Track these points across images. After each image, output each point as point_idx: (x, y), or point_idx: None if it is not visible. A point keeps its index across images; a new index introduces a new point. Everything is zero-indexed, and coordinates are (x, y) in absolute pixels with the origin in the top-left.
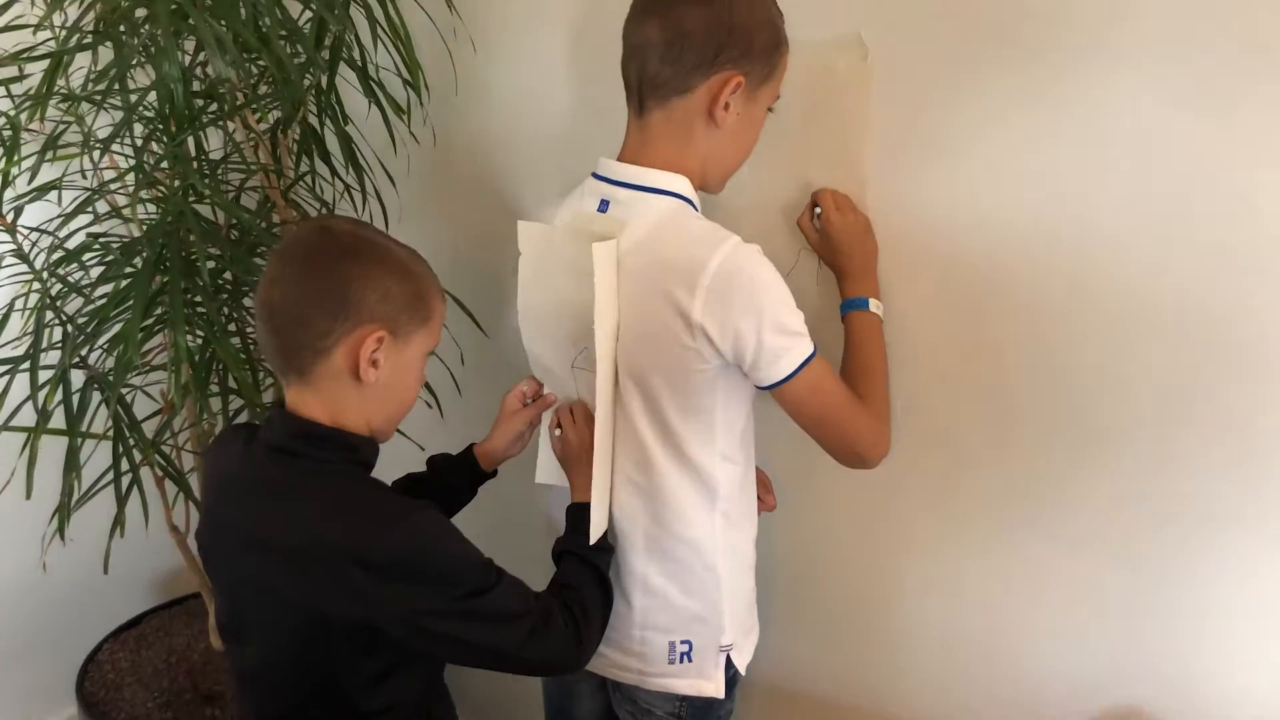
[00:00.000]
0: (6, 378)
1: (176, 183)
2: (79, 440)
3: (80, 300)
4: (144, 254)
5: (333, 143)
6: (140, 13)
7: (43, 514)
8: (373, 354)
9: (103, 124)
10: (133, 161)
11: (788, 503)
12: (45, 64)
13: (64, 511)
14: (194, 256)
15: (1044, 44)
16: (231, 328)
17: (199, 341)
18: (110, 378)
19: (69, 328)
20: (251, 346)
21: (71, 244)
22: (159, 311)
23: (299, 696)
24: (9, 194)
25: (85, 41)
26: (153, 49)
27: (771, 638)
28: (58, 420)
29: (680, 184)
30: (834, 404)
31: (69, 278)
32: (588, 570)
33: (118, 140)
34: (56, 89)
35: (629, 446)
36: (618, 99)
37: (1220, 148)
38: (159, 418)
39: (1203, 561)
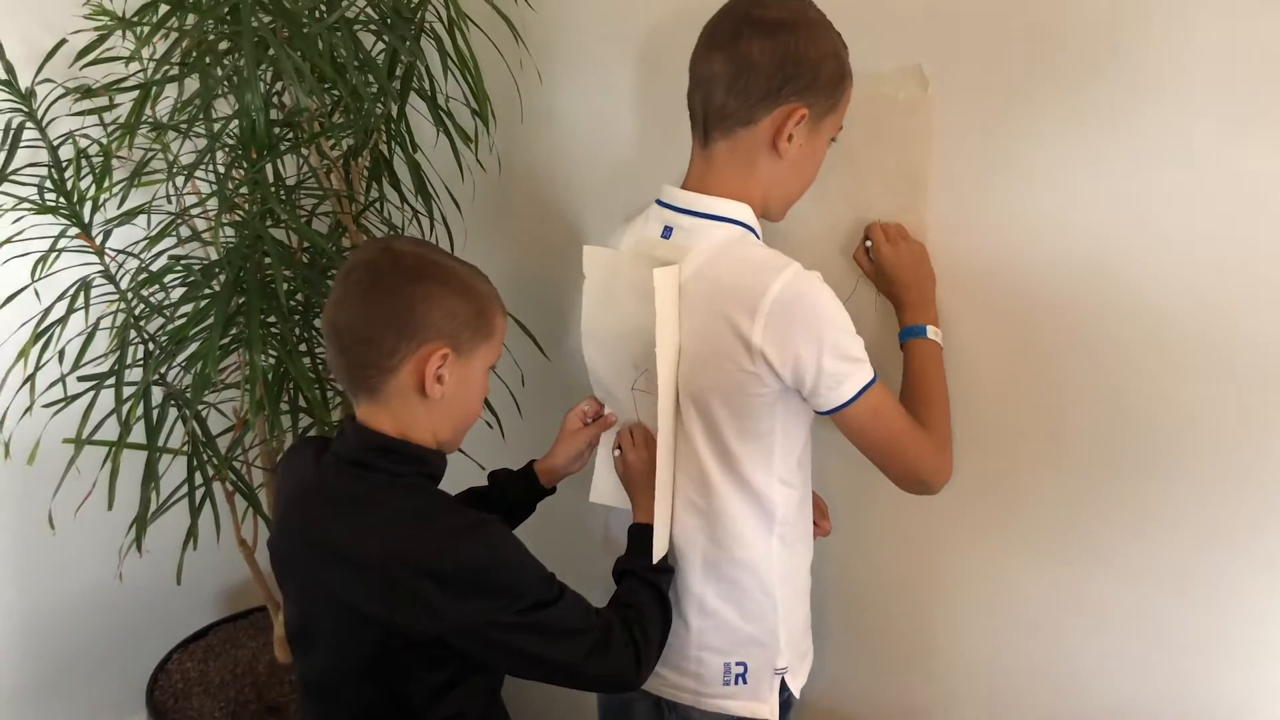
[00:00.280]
0: (92, 393)
1: (255, 208)
2: (157, 454)
3: (160, 320)
4: (223, 276)
5: (402, 169)
6: (223, 45)
7: (119, 526)
8: (438, 370)
9: (187, 151)
10: (214, 187)
11: (843, 527)
12: (134, 94)
13: (141, 523)
14: (269, 278)
15: (1103, 76)
16: (303, 348)
17: (272, 360)
18: (188, 394)
19: (150, 346)
20: (321, 366)
21: (155, 266)
22: (234, 331)
23: (362, 706)
24: (99, 218)
25: (172, 74)
26: (235, 80)
27: (826, 662)
28: (137, 435)
29: (742, 212)
30: (896, 429)
31: (151, 298)
32: (649, 590)
33: (201, 167)
34: (145, 118)
35: (689, 468)
36: (680, 127)
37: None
38: (231, 434)
39: (1266, 599)
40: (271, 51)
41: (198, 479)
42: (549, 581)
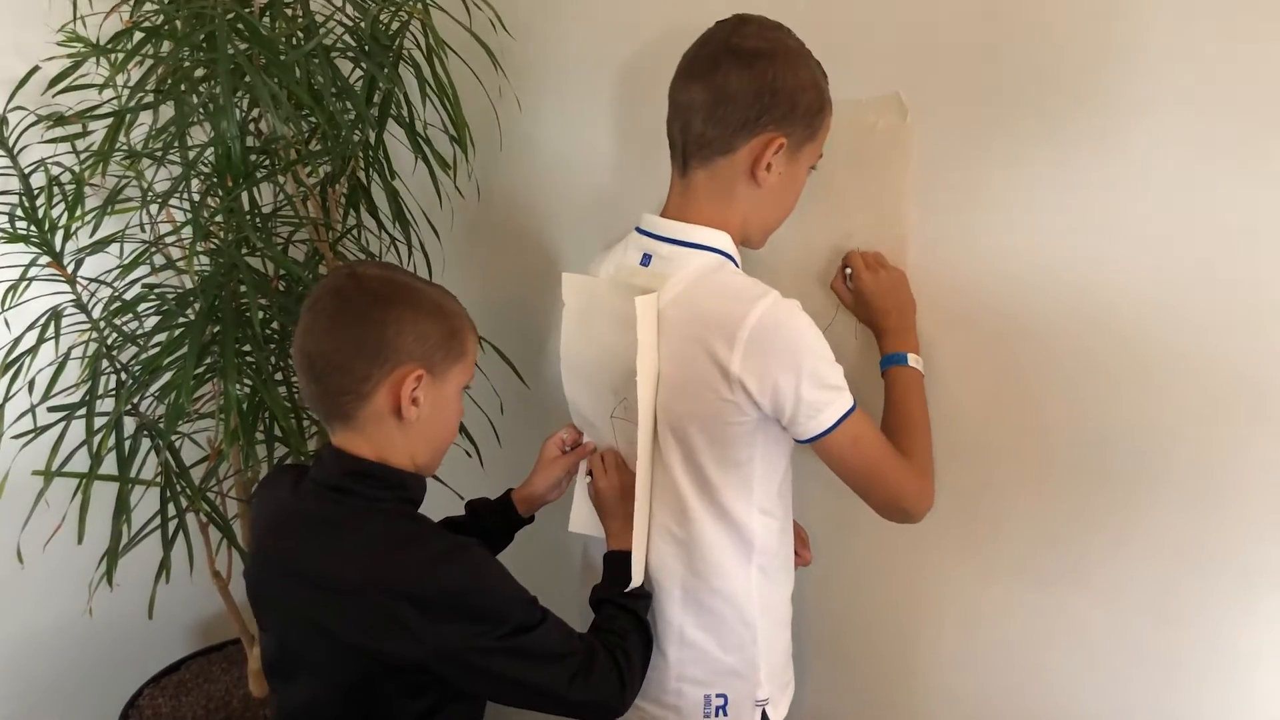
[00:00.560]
0: (63, 424)
1: (230, 235)
2: (129, 486)
3: (133, 349)
4: (197, 304)
5: (380, 196)
6: (199, 72)
7: (90, 559)
8: (414, 392)
9: (161, 179)
10: (189, 215)
11: (823, 557)
12: (108, 121)
13: (113, 556)
14: (245, 307)
15: (1080, 102)
16: (279, 377)
17: (247, 390)
18: (161, 425)
19: (123, 375)
20: (297, 395)
21: (128, 295)
22: (209, 360)
23: None
24: (70, 246)
25: (147, 101)
26: (211, 107)
27: (807, 692)
28: (108, 466)
29: (721, 240)
30: (876, 457)
31: (124, 327)
32: (627, 616)
33: (175, 194)
34: (119, 145)
35: (667, 497)
36: (659, 155)
37: (1258, 204)
38: (205, 464)
39: (1241, 617)
40: (248, 78)
41: (170, 511)
42: (531, 605)
